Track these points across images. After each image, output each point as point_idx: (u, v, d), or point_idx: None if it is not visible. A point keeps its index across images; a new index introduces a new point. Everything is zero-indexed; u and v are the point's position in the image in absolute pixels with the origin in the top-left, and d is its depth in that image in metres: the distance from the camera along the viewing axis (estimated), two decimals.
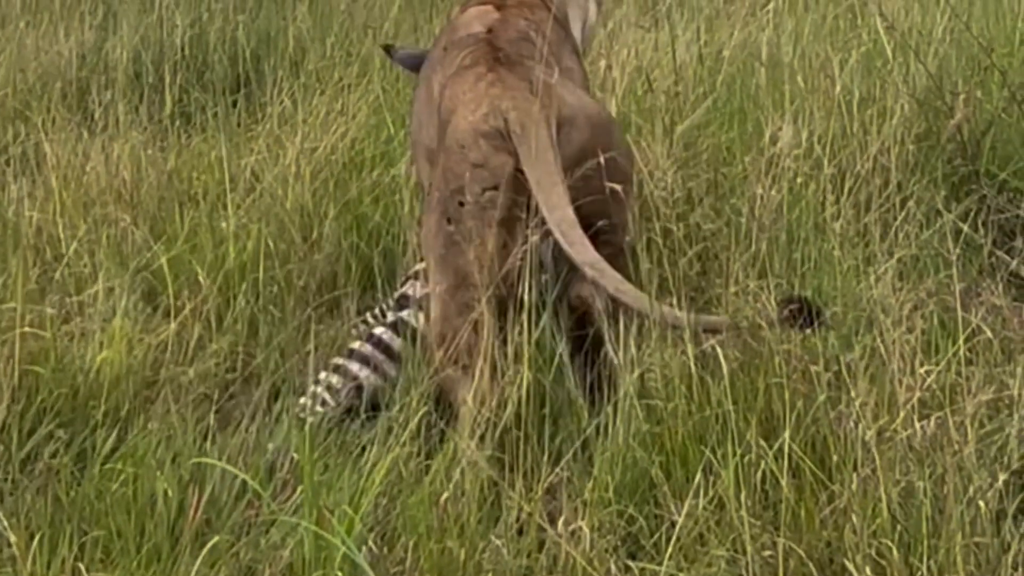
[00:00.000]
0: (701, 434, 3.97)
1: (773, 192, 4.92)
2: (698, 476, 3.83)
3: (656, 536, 3.84)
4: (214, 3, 7.68)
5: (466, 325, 4.26)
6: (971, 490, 3.64)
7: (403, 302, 4.82)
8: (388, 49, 5.48)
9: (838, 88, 5.57)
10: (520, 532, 3.88)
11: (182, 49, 7.12)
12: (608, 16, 6.54)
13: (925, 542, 3.58)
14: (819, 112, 5.54)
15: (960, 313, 4.16)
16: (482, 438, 4.07)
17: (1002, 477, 3.68)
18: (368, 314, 5.07)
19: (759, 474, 3.83)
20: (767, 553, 3.69)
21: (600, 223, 4.38)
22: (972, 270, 4.83)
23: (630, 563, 3.79)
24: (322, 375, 4.67)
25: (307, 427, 4.05)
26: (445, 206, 4.35)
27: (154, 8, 7.59)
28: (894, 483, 3.69)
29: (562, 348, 4.26)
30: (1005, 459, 3.77)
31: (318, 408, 4.55)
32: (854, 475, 3.72)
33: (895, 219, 4.94)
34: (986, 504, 3.62)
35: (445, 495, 3.88)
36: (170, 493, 3.90)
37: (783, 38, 6.44)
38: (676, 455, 3.97)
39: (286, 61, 7.05)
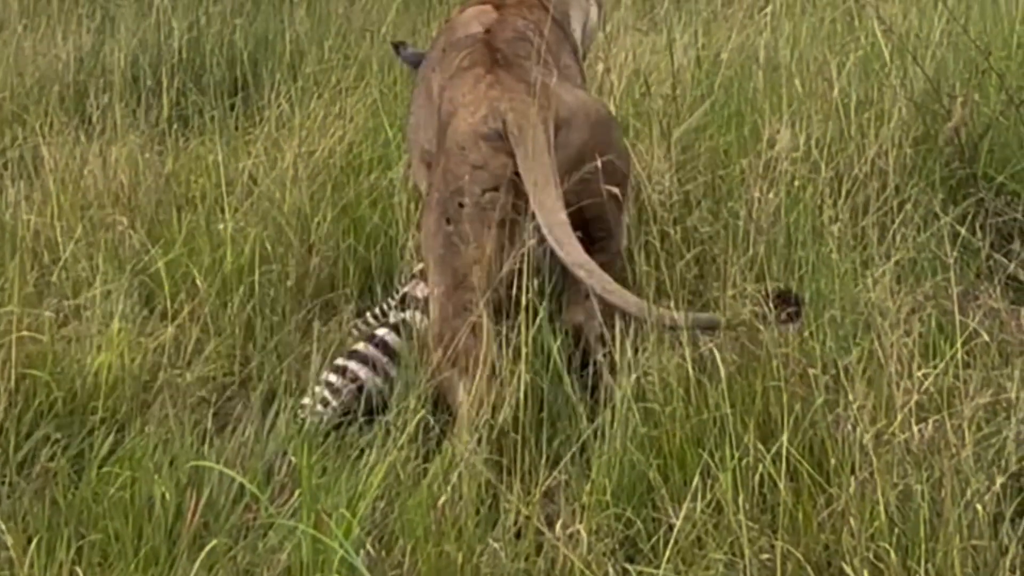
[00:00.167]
0: (699, 437, 3.97)
1: (771, 195, 4.92)
2: (696, 479, 3.83)
3: (654, 539, 3.84)
4: (211, 7, 7.68)
5: (464, 327, 4.26)
6: (969, 493, 3.64)
7: (407, 301, 4.80)
8: (397, 47, 5.48)
9: (836, 91, 5.58)
10: (518, 535, 3.88)
11: (179, 53, 7.12)
12: (606, 19, 6.54)
13: (923, 545, 3.58)
14: (817, 115, 5.54)
15: (958, 316, 4.16)
16: (480, 441, 4.07)
17: (1000, 480, 3.68)
18: (368, 314, 5.07)
19: (757, 477, 3.83)
20: (765, 556, 3.69)
21: (596, 225, 4.39)
22: (970, 273, 4.83)
23: (628, 566, 3.79)
24: (324, 375, 4.67)
25: (305, 430, 4.05)
26: (445, 207, 4.36)
27: (151, 12, 7.59)
28: (892, 486, 3.69)
29: (559, 343, 4.26)
30: (1003, 462, 3.76)
31: (318, 407, 4.55)
32: (852, 478, 3.72)
33: (893, 222, 4.94)
34: (984, 507, 3.62)
35: (443, 498, 3.88)
36: (168, 496, 3.90)
37: (781, 41, 6.44)
38: (674, 458, 3.97)
39: (284, 64, 7.05)
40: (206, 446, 4.22)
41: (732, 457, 3.81)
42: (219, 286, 5.06)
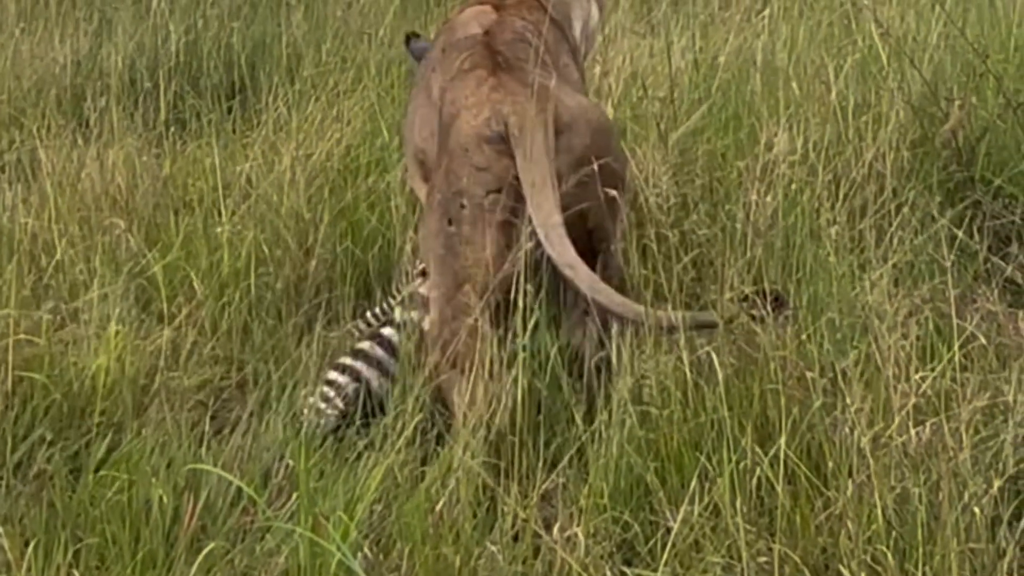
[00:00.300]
0: (696, 440, 3.97)
1: (768, 198, 4.92)
2: (693, 482, 3.83)
3: (651, 542, 3.83)
4: (209, 10, 7.68)
5: (464, 328, 4.26)
6: (966, 496, 3.64)
7: (414, 300, 4.79)
8: (409, 37, 5.48)
9: (833, 94, 5.58)
10: (516, 538, 3.88)
11: (177, 56, 7.12)
12: (605, 21, 6.55)
13: (920, 548, 3.58)
14: (814, 118, 5.54)
15: (955, 319, 4.16)
16: (478, 443, 4.06)
17: (997, 483, 3.68)
18: (369, 313, 5.07)
19: (754, 480, 3.83)
20: (763, 559, 3.69)
21: (594, 227, 4.39)
22: (967, 276, 4.83)
23: (625, 569, 3.79)
24: (329, 375, 4.66)
25: (302, 433, 4.04)
26: (446, 208, 4.36)
27: (149, 15, 7.59)
28: (889, 489, 3.69)
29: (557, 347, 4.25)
30: (1000, 465, 3.76)
31: (320, 405, 4.55)
32: (849, 481, 3.72)
33: (890, 225, 4.94)
34: (981, 510, 3.62)
35: (441, 501, 3.88)
36: (165, 499, 3.90)
37: (778, 44, 6.45)
38: (671, 461, 3.97)
39: (281, 68, 7.05)
40: (203, 449, 4.21)
41: (730, 460, 3.81)
42: (216, 289, 5.06)
